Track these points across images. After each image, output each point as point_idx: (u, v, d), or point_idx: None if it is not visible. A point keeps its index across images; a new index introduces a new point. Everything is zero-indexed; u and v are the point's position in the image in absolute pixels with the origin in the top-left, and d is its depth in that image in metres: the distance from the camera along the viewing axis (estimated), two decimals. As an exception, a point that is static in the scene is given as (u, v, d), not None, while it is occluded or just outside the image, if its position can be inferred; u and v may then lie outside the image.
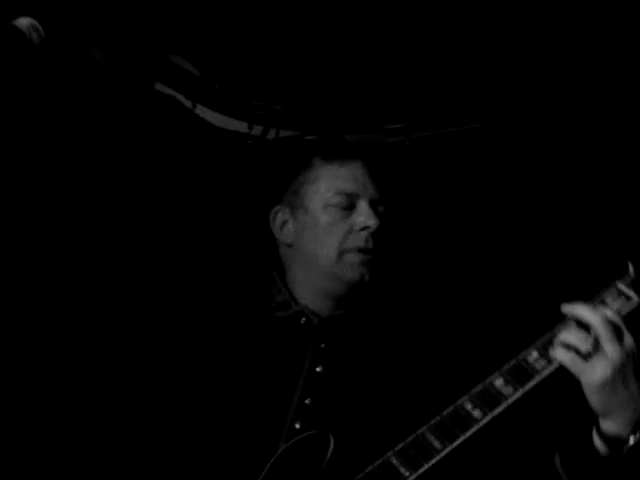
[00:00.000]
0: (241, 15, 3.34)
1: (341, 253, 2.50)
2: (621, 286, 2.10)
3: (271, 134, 3.60)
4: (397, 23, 3.31)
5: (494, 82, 3.42)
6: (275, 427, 2.38)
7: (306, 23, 3.34)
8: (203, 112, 3.57)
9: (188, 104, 3.54)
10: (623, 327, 2.04)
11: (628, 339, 2.04)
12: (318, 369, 2.46)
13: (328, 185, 2.55)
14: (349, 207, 2.53)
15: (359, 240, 2.50)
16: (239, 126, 3.60)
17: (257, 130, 3.59)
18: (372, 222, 2.50)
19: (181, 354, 2.55)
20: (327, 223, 2.53)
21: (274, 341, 2.53)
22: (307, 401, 2.42)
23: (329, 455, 2.24)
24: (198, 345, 2.55)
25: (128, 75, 3.44)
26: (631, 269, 2.11)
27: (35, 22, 2.13)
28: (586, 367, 2.02)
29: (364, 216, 2.51)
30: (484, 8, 3.22)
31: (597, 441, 2.08)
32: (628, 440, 2.05)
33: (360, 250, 2.50)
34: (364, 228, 2.51)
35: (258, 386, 2.45)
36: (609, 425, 2.06)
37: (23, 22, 2.14)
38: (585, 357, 2.02)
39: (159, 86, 3.51)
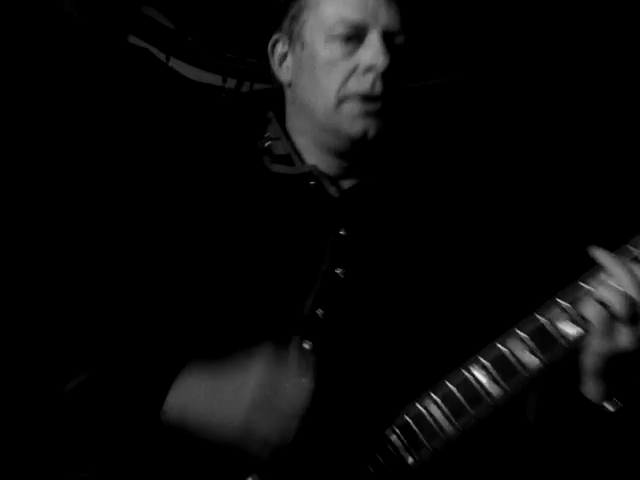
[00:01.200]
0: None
1: (341, 100, 2.00)
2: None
3: (245, 87, 3.59)
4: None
5: (466, 37, 3.43)
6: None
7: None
8: (177, 65, 3.56)
9: (162, 57, 3.53)
10: None
11: None
12: (338, 271, 1.98)
13: (331, 11, 2.02)
14: (356, 40, 2.00)
15: (363, 83, 1.98)
16: (213, 79, 3.59)
17: (231, 83, 3.59)
18: (382, 60, 1.96)
19: (170, 218, 2.04)
20: (327, 61, 2.01)
21: (277, 211, 2.04)
22: (319, 311, 1.94)
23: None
24: (187, 206, 2.05)
25: (101, 27, 3.43)
26: None
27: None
28: (613, 332, 1.80)
29: (372, 52, 1.97)
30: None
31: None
32: (606, 408, 1.87)
33: (364, 97, 1.99)
34: (370, 68, 1.98)
35: (262, 271, 1.97)
36: (592, 392, 1.88)
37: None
38: (614, 320, 1.80)
39: (132, 38, 3.50)
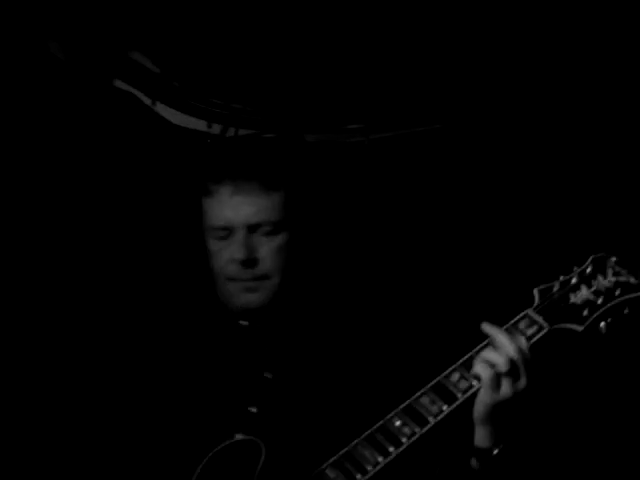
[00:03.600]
0: (200, 13, 3.34)
1: (224, 281, 2.54)
2: (532, 314, 2.33)
3: (230, 132, 3.58)
4: (357, 23, 3.32)
5: (455, 83, 3.43)
6: (218, 435, 2.37)
7: (265, 22, 3.34)
8: (162, 110, 3.54)
9: (147, 101, 3.52)
10: (529, 357, 2.26)
11: (530, 370, 2.26)
12: (266, 375, 2.50)
13: (207, 219, 2.57)
14: (228, 237, 2.53)
15: (233, 271, 2.52)
16: (198, 124, 3.58)
17: (216, 129, 3.58)
18: (239, 254, 2.50)
19: (140, 358, 2.61)
20: (213, 252, 2.56)
21: (220, 345, 2.59)
22: (253, 409, 2.45)
23: (261, 465, 2.26)
24: (153, 348, 2.62)
25: (87, 71, 3.42)
26: (536, 296, 2.36)
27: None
28: (497, 384, 2.23)
29: (234, 247, 2.52)
30: (444, 9, 3.25)
31: (473, 461, 2.32)
32: (492, 451, 2.29)
33: (235, 280, 2.52)
34: (235, 259, 2.51)
35: (204, 392, 2.50)
36: (481, 437, 2.29)
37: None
38: (498, 376, 2.24)
39: (118, 83, 3.49)
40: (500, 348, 2.25)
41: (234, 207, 2.51)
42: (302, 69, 3.44)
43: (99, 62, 3.42)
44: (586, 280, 2.36)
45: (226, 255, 2.53)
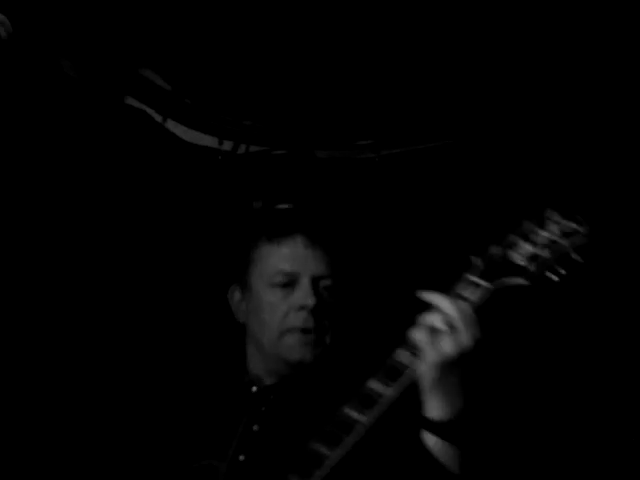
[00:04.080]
0: (212, 31, 3.34)
1: (282, 333, 2.51)
2: (471, 277, 2.23)
3: (241, 149, 3.59)
4: (368, 40, 3.33)
5: (466, 99, 3.43)
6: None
7: (276, 39, 3.35)
8: (173, 127, 3.55)
9: (158, 118, 3.52)
10: (472, 316, 2.18)
11: (475, 328, 2.18)
12: (255, 428, 2.50)
13: (269, 265, 2.56)
14: (291, 285, 2.53)
15: (298, 320, 2.50)
16: (209, 141, 3.59)
17: (227, 145, 3.59)
18: (310, 301, 2.49)
19: (146, 412, 2.65)
20: (269, 303, 2.54)
21: (226, 406, 2.58)
22: (241, 457, 2.46)
23: None
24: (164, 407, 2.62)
25: (99, 88, 3.43)
26: (477, 262, 2.25)
27: (1, 16, 2.12)
28: (434, 343, 2.15)
29: (302, 295, 2.51)
30: (452, 25, 3.25)
31: (426, 437, 2.22)
32: (446, 422, 2.20)
33: (300, 330, 2.50)
34: (302, 307, 2.50)
35: (203, 444, 2.51)
36: (431, 408, 2.20)
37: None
38: (437, 335, 2.16)
39: (129, 100, 3.50)
40: (437, 310, 2.18)
41: (304, 255, 2.53)
42: (313, 86, 3.45)
43: (110, 79, 3.43)
44: (526, 237, 2.27)
45: (290, 303, 2.52)
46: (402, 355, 2.20)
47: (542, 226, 2.25)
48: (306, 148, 3.53)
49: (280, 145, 3.57)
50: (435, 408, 2.20)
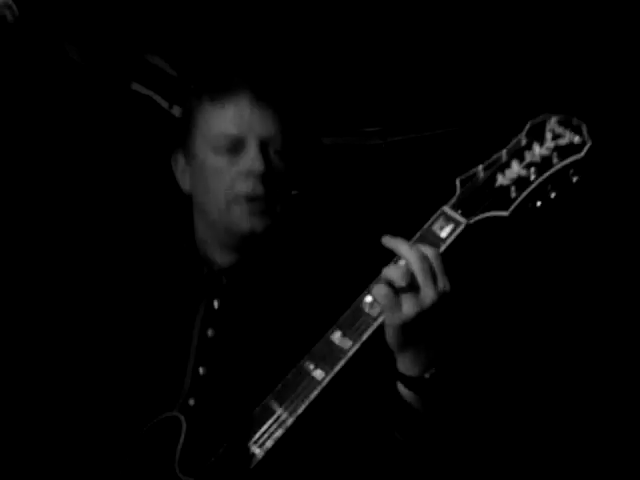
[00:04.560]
0: (218, 17, 3.34)
1: (228, 203, 2.31)
2: (448, 210, 1.99)
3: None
4: (374, 27, 3.33)
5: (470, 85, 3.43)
6: (171, 396, 2.27)
7: (282, 26, 3.35)
8: (179, 112, 3.55)
9: (165, 104, 3.52)
10: (439, 267, 1.97)
11: (442, 280, 1.97)
12: (209, 333, 2.33)
13: (212, 128, 2.34)
14: (236, 150, 2.31)
15: (245, 187, 2.29)
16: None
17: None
18: (258, 166, 2.28)
19: (83, 295, 2.42)
20: (214, 170, 2.33)
21: (174, 292, 2.39)
22: (201, 370, 2.31)
23: (183, 437, 2.13)
24: (101, 287, 2.42)
25: (104, 74, 3.42)
26: (458, 188, 2.01)
27: (8, 0, 2.12)
28: (395, 303, 1.96)
29: (249, 159, 2.29)
30: (457, 13, 3.25)
31: (400, 387, 2.09)
32: (423, 377, 2.05)
33: (248, 198, 2.29)
34: (249, 173, 2.29)
35: (152, 344, 2.32)
36: (404, 365, 2.06)
37: (-5, -1, 2.13)
38: (398, 293, 1.97)
39: (135, 86, 3.49)
40: (401, 261, 1.98)
41: (250, 116, 2.31)
42: (319, 73, 3.44)
43: (116, 65, 3.42)
44: (518, 154, 1.96)
45: (236, 169, 2.31)
46: (367, 305, 2.02)
47: (540, 139, 1.95)
48: (313, 134, 3.52)
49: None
50: (403, 364, 2.07)
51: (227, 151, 2.32)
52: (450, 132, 3.49)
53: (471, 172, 2.01)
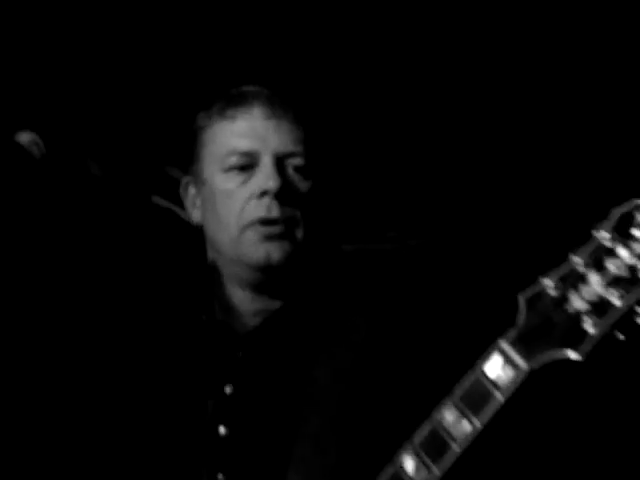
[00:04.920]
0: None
1: (241, 229, 2.03)
2: (505, 347, 1.50)
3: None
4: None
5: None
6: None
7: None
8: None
9: (184, 216, 3.56)
10: None
11: None
12: (227, 390, 2.07)
13: (221, 145, 2.08)
14: (250, 168, 2.05)
15: (260, 208, 2.02)
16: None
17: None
18: (272, 184, 1.99)
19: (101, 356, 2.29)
20: (224, 193, 2.05)
21: (196, 355, 2.16)
22: (222, 430, 2.05)
23: None
24: (121, 347, 2.26)
25: (125, 188, 3.47)
26: (523, 310, 1.49)
27: (36, 137, 2.17)
28: None
29: (263, 177, 2.01)
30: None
31: None
32: None
33: (262, 221, 2.01)
34: (264, 192, 2.01)
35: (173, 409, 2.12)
36: None
37: (24, 137, 2.19)
38: None
39: (156, 198, 3.53)
40: None
41: (265, 128, 2.03)
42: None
43: (137, 179, 3.48)
44: (598, 262, 1.37)
45: (249, 189, 2.03)
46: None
47: (621, 236, 1.37)
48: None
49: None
50: None
51: (239, 170, 2.07)
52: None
53: (536, 288, 1.50)
